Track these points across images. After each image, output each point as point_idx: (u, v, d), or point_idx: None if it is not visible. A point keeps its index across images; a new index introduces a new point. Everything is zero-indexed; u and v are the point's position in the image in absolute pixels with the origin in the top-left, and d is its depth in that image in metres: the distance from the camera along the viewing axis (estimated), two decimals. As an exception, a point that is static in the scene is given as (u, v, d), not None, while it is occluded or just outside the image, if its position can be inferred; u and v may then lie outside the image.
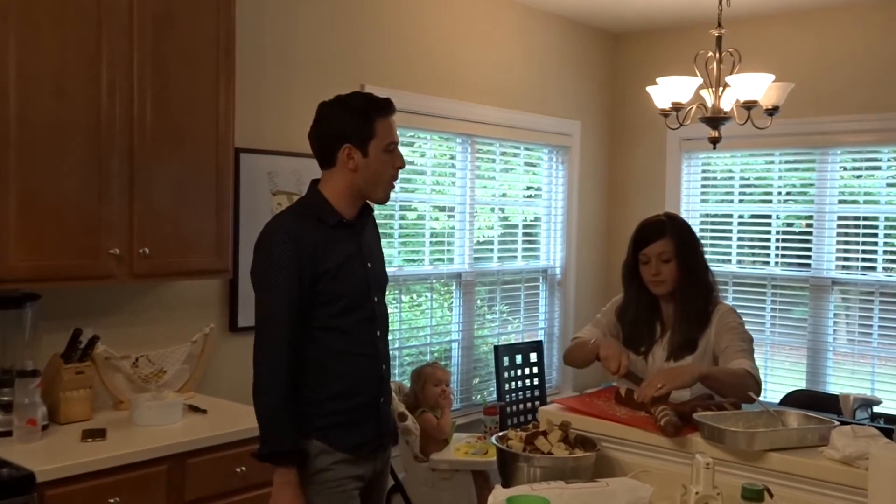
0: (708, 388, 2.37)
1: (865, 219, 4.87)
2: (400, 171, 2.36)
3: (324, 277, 2.22)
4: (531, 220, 5.31)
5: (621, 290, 2.74)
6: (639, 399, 2.25)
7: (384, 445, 2.42)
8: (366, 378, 2.34)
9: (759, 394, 2.39)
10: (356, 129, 2.25)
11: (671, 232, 2.61)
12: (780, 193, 5.18)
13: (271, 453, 2.20)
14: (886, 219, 4.78)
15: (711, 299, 2.61)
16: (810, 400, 4.23)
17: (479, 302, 4.92)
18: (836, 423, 2.02)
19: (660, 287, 2.59)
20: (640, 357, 2.62)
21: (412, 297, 4.55)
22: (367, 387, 2.34)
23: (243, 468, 2.77)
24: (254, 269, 2.26)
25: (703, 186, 5.45)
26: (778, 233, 5.16)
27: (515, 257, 5.18)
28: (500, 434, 2.21)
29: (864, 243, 4.88)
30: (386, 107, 2.30)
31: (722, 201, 5.39)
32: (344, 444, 2.28)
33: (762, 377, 5.22)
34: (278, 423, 2.20)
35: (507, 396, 4.68)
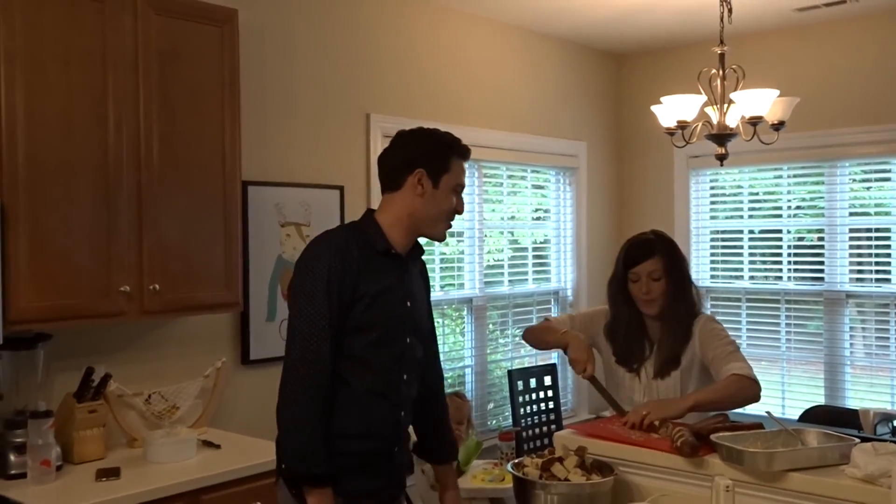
0: (707, 411, 2.38)
1: (877, 230, 4.84)
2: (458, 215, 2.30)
3: (360, 302, 2.13)
4: (541, 242, 5.30)
5: None
6: (627, 426, 2.28)
7: (395, 496, 2.30)
8: (382, 421, 2.20)
9: (758, 392, 2.43)
10: (434, 158, 2.22)
11: (660, 250, 2.64)
12: (789, 207, 5.15)
13: (310, 475, 2.05)
14: (898, 230, 4.75)
15: (694, 313, 2.65)
16: (830, 416, 4.18)
17: (491, 326, 4.90)
18: (857, 440, 1.99)
19: (650, 306, 2.62)
20: (633, 374, 2.65)
21: (424, 324, 4.53)
22: (382, 430, 2.20)
23: (259, 503, 2.75)
24: (295, 278, 2.17)
25: (712, 203, 5.44)
26: (789, 247, 5.13)
27: (526, 280, 5.16)
28: (516, 461, 2.19)
29: (877, 255, 4.85)
30: (465, 151, 2.28)
31: (731, 217, 5.37)
32: (347, 489, 2.13)
33: (780, 393, 5.17)
34: (314, 442, 2.06)
35: (523, 421, 4.64)
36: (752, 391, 2.42)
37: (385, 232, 2.22)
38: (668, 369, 2.60)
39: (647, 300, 2.61)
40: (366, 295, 2.13)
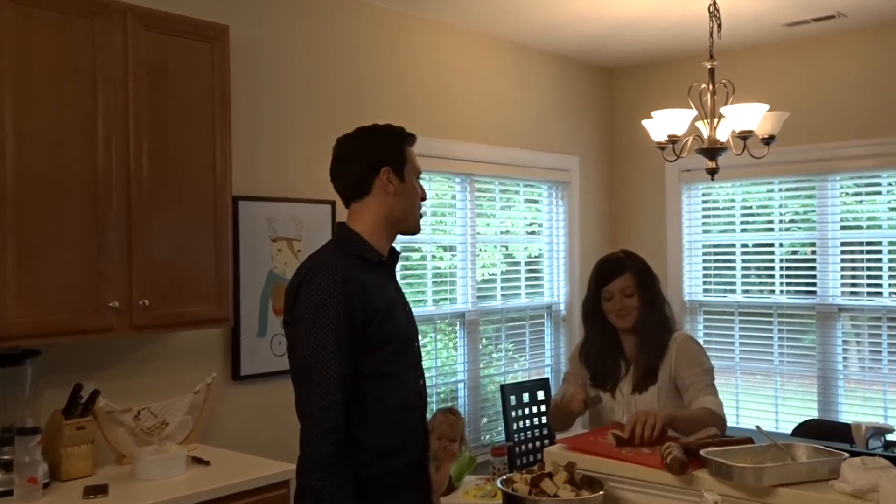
0: (673, 430, 2.38)
1: (869, 244, 4.85)
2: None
3: (375, 319, 2.08)
4: (534, 257, 5.30)
5: None
6: (637, 441, 2.26)
7: None
8: (414, 431, 2.20)
9: (724, 430, 2.49)
10: (393, 152, 2.22)
11: (631, 268, 2.71)
12: (781, 221, 5.17)
13: None
14: (890, 243, 4.75)
15: (668, 328, 2.71)
16: (822, 430, 4.16)
17: (484, 341, 4.89)
18: (846, 454, 1.98)
19: (624, 320, 2.68)
20: (608, 393, 2.69)
21: (416, 339, 4.52)
22: (416, 441, 2.20)
23: (248, 520, 2.74)
24: (294, 311, 2.08)
25: (705, 217, 5.44)
26: (782, 261, 5.14)
27: (519, 294, 5.16)
28: (506, 477, 2.17)
29: (868, 268, 4.85)
30: (412, 136, 2.29)
31: (724, 231, 5.37)
32: None
33: (773, 407, 5.17)
34: (335, 480, 1.98)
35: (516, 436, 4.63)
36: (717, 430, 2.47)
37: (368, 241, 2.19)
38: (646, 384, 2.64)
39: (620, 315, 2.67)
40: (378, 311, 2.10)
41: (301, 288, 2.08)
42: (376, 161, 2.19)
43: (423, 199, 2.31)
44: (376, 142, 2.23)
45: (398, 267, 4.18)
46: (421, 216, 2.33)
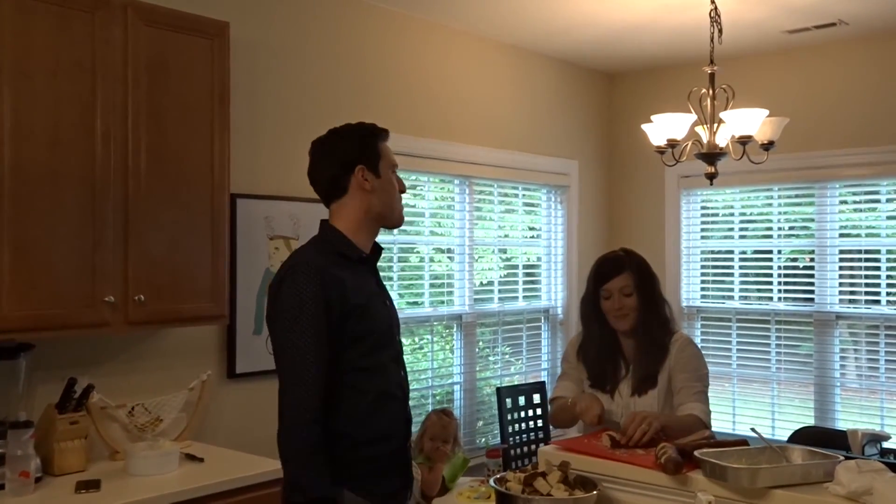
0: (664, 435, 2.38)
1: (867, 252, 4.85)
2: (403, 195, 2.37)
3: (353, 314, 2.15)
4: (532, 261, 5.30)
5: None
6: (632, 443, 2.26)
7: (409, 495, 2.34)
8: (396, 421, 2.27)
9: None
10: (365, 150, 2.26)
11: (630, 267, 2.67)
12: (780, 228, 5.16)
13: (309, 501, 2.05)
14: (888, 251, 4.75)
15: (669, 330, 2.67)
16: (819, 437, 4.16)
17: (480, 343, 4.88)
18: (841, 458, 1.98)
19: (623, 321, 2.64)
20: (607, 395, 2.66)
21: (413, 340, 4.52)
22: (397, 430, 2.27)
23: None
24: (275, 307, 2.16)
25: (703, 223, 5.44)
26: (780, 268, 5.13)
27: (516, 298, 5.15)
28: (499, 476, 2.16)
29: (866, 277, 4.85)
30: (384, 132, 2.33)
31: (723, 237, 5.37)
32: (375, 493, 2.16)
33: (770, 414, 5.16)
34: (313, 468, 2.06)
35: (511, 439, 4.62)
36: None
37: (350, 239, 2.25)
38: (646, 387, 2.61)
39: (619, 316, 2.63)
40: (357, 307, 2.16)
41: (281, 285, 2.16)
42: (349, 161, 2.25)
43: (403, 191, 2.35)
44: (347, 142, 2.29)
45: (395, 267, 4.25)
46: (402, 208, 2.37)
